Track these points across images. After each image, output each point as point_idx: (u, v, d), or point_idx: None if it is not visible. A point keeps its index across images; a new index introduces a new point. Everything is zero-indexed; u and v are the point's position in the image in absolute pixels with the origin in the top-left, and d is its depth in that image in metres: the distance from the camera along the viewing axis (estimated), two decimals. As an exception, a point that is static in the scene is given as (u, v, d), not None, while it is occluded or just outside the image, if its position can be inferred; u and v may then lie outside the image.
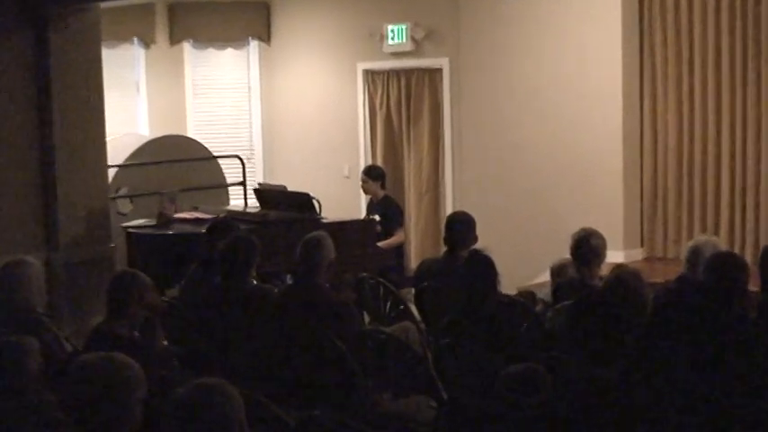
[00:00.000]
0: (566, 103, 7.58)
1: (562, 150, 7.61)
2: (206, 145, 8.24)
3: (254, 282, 4.74)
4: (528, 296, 5.23)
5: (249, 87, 9.20)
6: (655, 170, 7.44)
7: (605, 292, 3.67)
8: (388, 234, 6.94)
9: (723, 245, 5.15)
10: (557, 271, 5.05)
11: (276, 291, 4.77)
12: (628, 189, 7.40)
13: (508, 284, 5.05)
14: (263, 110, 9.18)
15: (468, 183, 8.26)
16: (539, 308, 4.76)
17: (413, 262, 8.07)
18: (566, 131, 7.59)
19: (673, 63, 7.28)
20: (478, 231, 5.32)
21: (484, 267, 4.32)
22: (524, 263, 7.01)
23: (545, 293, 5.02)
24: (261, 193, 7.18)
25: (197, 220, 6.58)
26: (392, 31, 8.41)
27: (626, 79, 7.30)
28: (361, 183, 7.30)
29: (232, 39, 9.08)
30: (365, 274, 5.51)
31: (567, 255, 4.86)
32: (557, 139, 7.64)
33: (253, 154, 9.15)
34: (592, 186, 7.46)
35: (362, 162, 8.59)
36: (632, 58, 7.35)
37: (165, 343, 4.21)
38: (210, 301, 4.59)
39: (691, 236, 6.78)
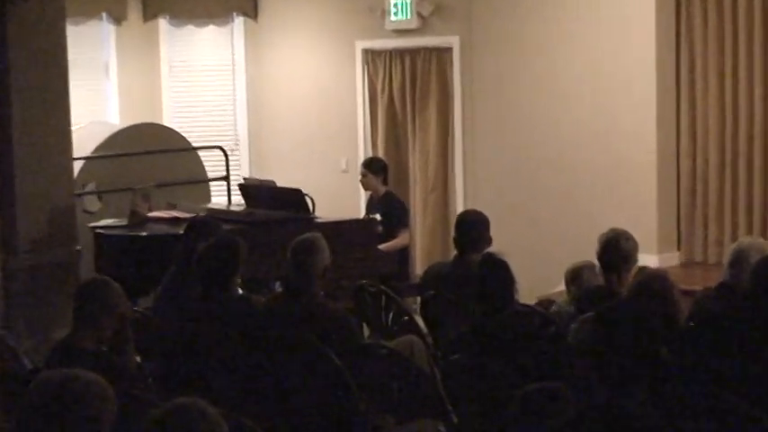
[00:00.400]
0: (593, 88, 7.59)
1: (588, 141, 7.62)
2: (184, 135, 8.25)
3: (239, 290, 4.75)
4: (549, 306, 5.23)
5: (233, 70, 9.20)
6: (693, 162, 7.44)
7: (628, 302, 3.67)
8: (390, 235, 6.95)
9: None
10: (570, 276, 5.06)
11: (264, 300, 4.77)
12: (663, 184, 7.40)
13: (527, 292, 5.06)
14: (250, 95, 9.18)
15: (481, 177, 8.27)
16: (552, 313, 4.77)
17: (418, 267, 8.07)
18: (592, 120, 7.60)
19: (714, 38, 7.26)
20: (493, 232, 5.33)
21: (499, 273, 4.32)
22: (545, 268, 7.02)
23: (558, 304, 5.02)
24: (246, 189, 7.19)
25: (174, 220, 6.58)
26: (395, 5, 8.42)
27: (660, 58, 7.30)
28: (360, 177, 7.31)
29: (214, 15, 9.09)
30: (365, 281, 5.51)
31: (592, 259, 4.87)
32: (582, 129, 7.65)
33: (237, 145, 9.16)
34: (622, 181, 7.47)
35: (362, 154, 8.60)
36: (667, 35, 7.35)
37: (138, 359, 4.22)
38: (189, 312, 4.60)
39: (734, 237, 6.78)
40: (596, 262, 4.82)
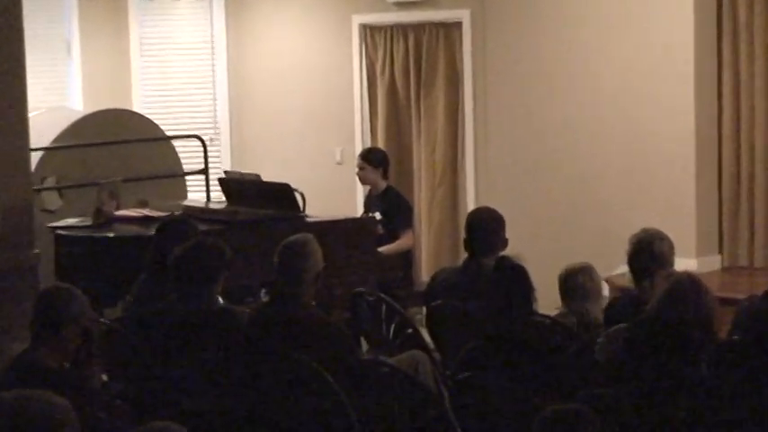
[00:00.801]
0: (624, 69, 7.58)
1: (618, 129, 7.62)
2: (157, 122, 8.25)
3: (220, 300, 4.76)
4: (563, 316, 5.22)
5: (213, 49, 9.20)
6: (737, 154, 7.43)
7: (659, 313, 3.67)
8: (391, 237, 6.95)
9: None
10: (564, 282, 5.05)
11: (248, 312, 4.77)
12: (702, 179, 7.40)
13: (547, 301, 5.06)
14: (231, 78, 9.18)
15: (495, 170, 8.27)
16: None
17: (424, 273, 8.06)
18: (623, 105, 7.59)
19: (762, 17, 7.26)
20: (509, 233, 5.32)
21: (515, 279, 4.33)
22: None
23: (562, 313, 5.02)
24: (228, 183, 7.19)
25: (145, 220, 6.59)
26: (397, -26, 8.46)
27: (699, 31, 7.29)
28: (357, 170, 7.31)
29: (191, -15, 9.12)
30: (362, 288, 5.51)
31: (622, 263, 4.87)
32: (611, 115, 7.65)
33: (217, 134, 9.16)
34: (656, 176, 7.46)
35: (359, 144, 8.60)
36: (708, 12, 7.35)
37: (105, 378, 4.22)
38: (163, 325, 4.60)
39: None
40: (625, 267, 4.83)
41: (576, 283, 5.06)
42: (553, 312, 5.32)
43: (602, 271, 5.23)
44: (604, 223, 7.48)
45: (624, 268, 5.06)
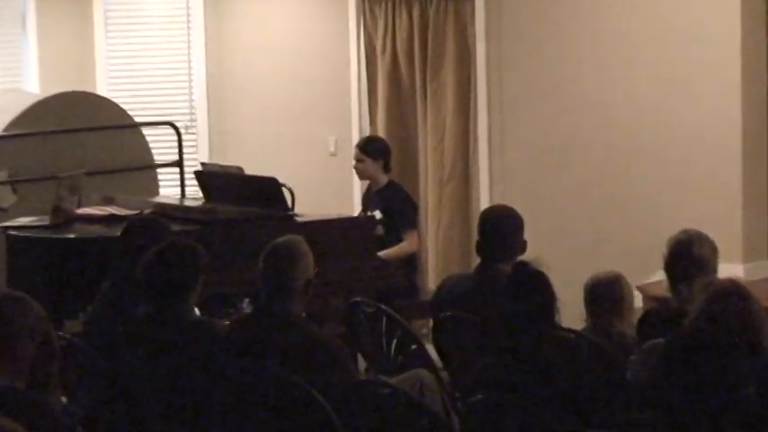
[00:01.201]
0: (661, 49, 7.57)
1: (657, 118, 7.60)
2: (124, 107, 8.25)
3: (196, 311, 4.76)
4: (589, 332, 5.22)
5: (188, 23, 9.20)
6: (790, 145, 7.45)
7: (697, 325, 3.67)
8: (393, 239, 6.98)
9: None
10: (590, 289, 5.07)
11: (228, 324, 4.77)
12: (750, 177, 7.39)
13: (571, 313, 5.05)
14: (209, 57, 9.18)
15: (512, 163, 8.26)
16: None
17: (431, 280, 8.06)
18: (659, 89, 7.58)
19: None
20: (528, 234, 5.33)
21: (535, 288, 4.32)
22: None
23: (587, 327, 5.04)
24: (205, 177, 7.20)
25: (110, 219, 6.59)
26: (400, -63, 8.47)
27: (746, 23, 7.28)
28: (354, 163, 7.31)
29: (163, -50, 9.13)
30: (359, 298, 5.52)
31: (658, 270, 4.87)
32: (649, 102, 7.63)
33: (194, 121, 9.16)
34: (698, 172, 7.45)
35: (356, 133, 8.60)
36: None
37: (64, 400, 4.22)
38: (131, 340, 4.60)
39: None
40: (662, 274, 4.83)
41: (603, 293, 5.06)
42: (579, 326, 5.32)
43: (636, 278, 5.24)
44: (639, 224, 7.47)
45: (660, 275, 5.06)
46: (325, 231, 6.33)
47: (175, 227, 5.88)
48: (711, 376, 3.24)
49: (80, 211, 6.78)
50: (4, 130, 7.49)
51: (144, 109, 8.79)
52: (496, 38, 8.28)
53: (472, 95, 8.40)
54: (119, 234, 5.52)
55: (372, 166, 7.19)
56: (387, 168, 7.22)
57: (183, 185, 8.04)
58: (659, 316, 4.65)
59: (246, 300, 6.01)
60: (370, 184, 7.36)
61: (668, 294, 4.78)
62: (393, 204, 7.08)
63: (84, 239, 6.37)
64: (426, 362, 5.02)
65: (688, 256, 4.66)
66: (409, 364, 5.03)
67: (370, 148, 7.24)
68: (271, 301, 4.51)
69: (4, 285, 6.26)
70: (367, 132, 8.56)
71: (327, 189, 8.51)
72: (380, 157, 7.20)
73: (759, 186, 7.45)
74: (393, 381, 4.52)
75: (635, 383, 4.16)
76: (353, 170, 7.42)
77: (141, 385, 4.45)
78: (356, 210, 7.82)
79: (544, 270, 4.40)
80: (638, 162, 7.69)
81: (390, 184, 7.23)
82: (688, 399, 3.25)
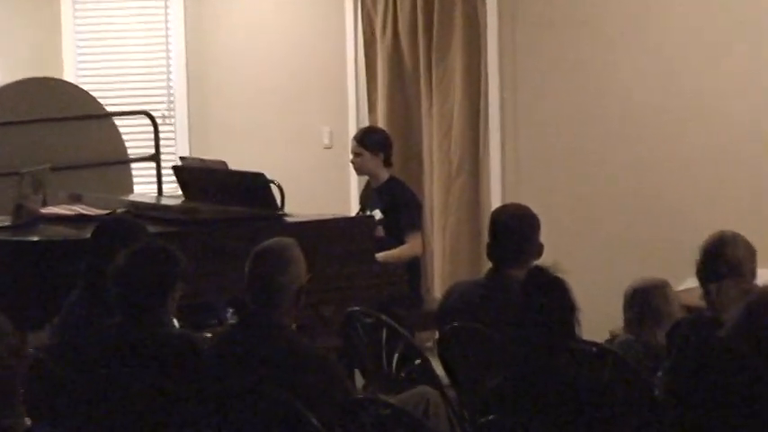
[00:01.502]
0: (693, 34, 7.57)
1: (689, 111, 7.61)
2: (95, 95, 8.25)
3: (175, 323, 4.75)
4: (629, 344, 5.21)
5: (166, 2, 9.20)
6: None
7: (733, 338, 3.65)
8: (395, 241, 6.98)
9: None
10: (630, 296, 5.08)
11: (210, 337, 4.76)
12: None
13: (593, 324, 5.03)
14: (190, 41, 9.19)
15: (527, 157, 8.25)
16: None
17: (436, 287, 8.06)
18: (691, 78, 7.59)
19: None
20: (544, 236, 5.32)
21: (553, 296, 4.30)
22: (620, 289, 6.98)
23: (625, 340, 5.01)
24: (185, 173, 7.20)
25: (79, 219, 6.58)
26: None
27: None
28: (351, 157, 7.30)
29: None
30: (357, 308, 5.51)
31: (689, 277, 4.85)
32: (677, 90, 7.64)
33: (172, 110, 9.16)
34: (733, 170, 7.46)
35: (353, 124, 8.59)
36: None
37: (28, 421, 4.20)
38: (101, 354, 4.59)
39: None
40: (694, 281, 4.83)
41: (647, 302, 5.05)
42: (605, 338, 5.31)
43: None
44: (667, 226, 7.48)
45: (692, 283, 5.04)
46: (319, 233, 6.32)
47: (151, 228, 5.86)
48: (748, 395, 3.23)
49: (45, 210, 6.78)
50: (-40, 121, 7.50)
51: (116, 97, 8.80)
52: (510, 16, 8.27)
53: (483, 81, 8.39)
54: (88, 236, 5.50)
55: (371, 161, 7.18)
56: (387, 163, 7.22)
57: (159, 182, 8.04)
58: (691, 326, 4.64)
59: (230, 310, 6.01)
60: (368, 181, 7.37)
61: (702, 303, 4.78)
62: (394, 203, 7.09)
63: (49, 242, 6.36)
64: (431, 379, 5.02)
65: (721, 256, 4.67)
66: (413, 380, 5.03)
67: (369, 141, 7.24)
68: (257, 311, 4.50)
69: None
70: (365, 123, 8.56)
71: (321, 186, 8.51)
72: (380, 150, 7.20)
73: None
74: (394, 400, 4.51)
75: (663, 402, 4.15)
76: (351, 165, 7.40)
77: (114, 406, 4.44)
78: (353, 209, 7.81)
79: (562, 276, 4.38)
80: (669, 158, 7.68)
81: (391, 180, 7.23)
82: (722, 420, 3.23)
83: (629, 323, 5.17)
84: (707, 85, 7.55)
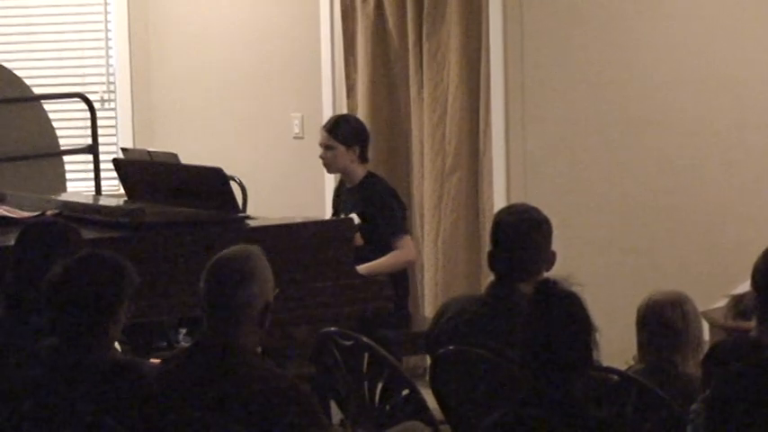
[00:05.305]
0: (727, 15, 7.62)
1: (725, 103, 7.64)
2: (21, 76, 8.28)
3: (117, 348, 4.74)
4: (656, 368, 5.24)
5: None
6: None
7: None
8: (377, 249, 7.00)
9: None
10: (643, 314, 5.10)
11: (159, 364, 4.77)
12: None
13: (614, 346, 5.06)
14: (133, 12, 9.18)
15: (535, 150, 8.27)
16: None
17: (427, 304, 8.08)
18: (725, 67, 7.63)
19: None
20: (556, 244, 5.35)
21: (566, 314, 4.33)
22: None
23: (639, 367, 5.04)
24: (128, 168, 7.21)
25: (2, 222, 6.58)
26: None
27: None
28: (321, 150, 7.29)
29: None
30: (333, 328, 5.52)
31: (724, 291, 4.88)
32: (711, 78, 7.68)
33: (112, 93, 9.17)
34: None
35: (327, 110, 8.61)
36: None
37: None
38: (30, 384, 4.59)
39: None
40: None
41: (662, 321, 5.07)
42: (625, 365, 5.34)
43: (698, 303, 5.23)
44: (699, 234, 7.52)
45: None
46: (288, 240, 6.32)
47: (88, 233, 5.87)
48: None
49: (-37, 212, 6.79)
50: None
51: (46, 77, 8.80)
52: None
53: (483, 58, 8.40)
54: (11, 243, 5.51)
55: (345, 156, 7.15)
56: (363, 158, 7.20)
57: (97, 178, 8.04)
58: (732, 351, 4.66)
59: (183, 331, 6.02)
60: (341, 180, 7.36)
61: (745, 324, 4.79)
62: (373, 204, 7.07)
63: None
64: (422, 412, 5.03)
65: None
66: (399, 414, 5.05)
67: (341, 131, 7.18)
68: (215, 332, 4.50)
69: None
70: (343, 108, 8.57)
71: (291, 183, 8.53)
72: (355, 142, 7.17)
73: None
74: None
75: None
76: (320, 159, 7.36)
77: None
78: (329, 210, 7.82)
79: (578, 291, 4.41)
80: (702, 156, 7.72)
81: (369, 177, 7.22)
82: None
83: (641, 347, 5.17)
84: (747, 86, 7.61)
